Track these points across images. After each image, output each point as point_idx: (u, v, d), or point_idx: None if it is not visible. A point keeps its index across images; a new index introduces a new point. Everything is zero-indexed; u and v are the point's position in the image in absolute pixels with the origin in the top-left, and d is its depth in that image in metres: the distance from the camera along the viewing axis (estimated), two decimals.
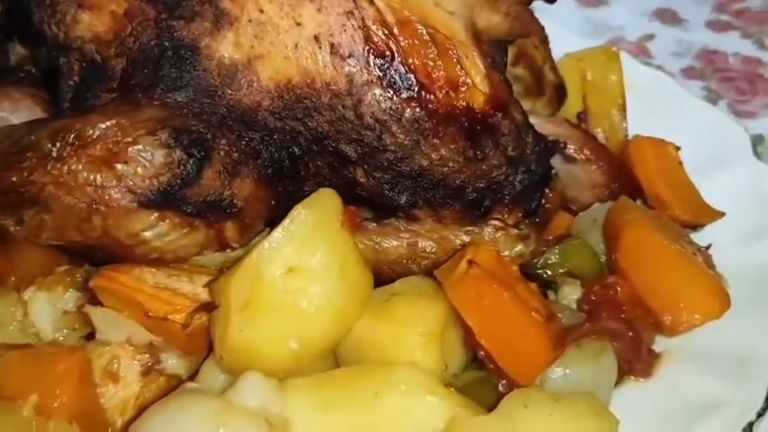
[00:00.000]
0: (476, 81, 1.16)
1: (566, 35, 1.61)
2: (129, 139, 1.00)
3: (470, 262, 1.04)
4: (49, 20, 1.16)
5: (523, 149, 1.20)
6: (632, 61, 1.61)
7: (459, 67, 1.15)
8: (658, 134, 1.49)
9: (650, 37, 2.08)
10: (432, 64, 1.13)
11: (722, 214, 1.34)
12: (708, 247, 1.27)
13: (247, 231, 1.12)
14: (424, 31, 1.14)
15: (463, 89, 1.15)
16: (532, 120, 1.33)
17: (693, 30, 2.11)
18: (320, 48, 1.11)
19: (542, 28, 1.39)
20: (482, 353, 1.05)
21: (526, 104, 1.42)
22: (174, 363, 1.08)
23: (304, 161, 1.14)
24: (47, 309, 1.13)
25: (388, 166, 1.15)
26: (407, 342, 1.03)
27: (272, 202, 1.14)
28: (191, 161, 1.02)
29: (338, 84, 1.11)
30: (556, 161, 1.33)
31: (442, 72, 1.14)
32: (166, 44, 1.09)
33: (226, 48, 1.10)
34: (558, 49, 1.54)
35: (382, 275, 1.17)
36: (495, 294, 1.04)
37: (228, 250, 1.11)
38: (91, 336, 1.12)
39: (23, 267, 1.21)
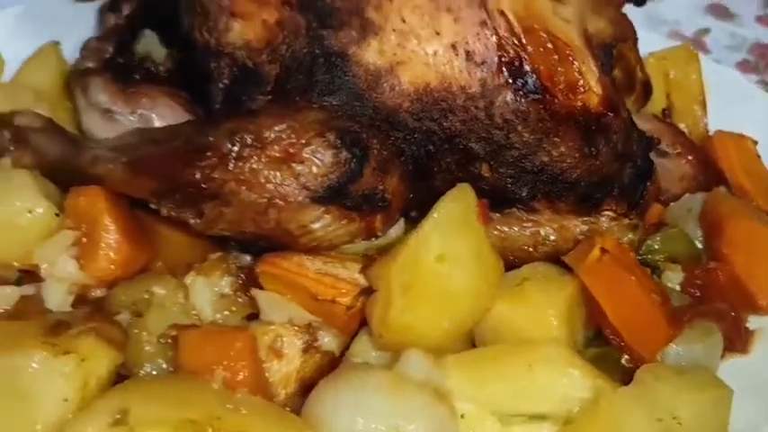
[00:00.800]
0: (591, 84, 1.27)
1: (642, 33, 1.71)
2: (303, 141, 1.11)
3: (603, 250, 1.16)
4: (201, 27, 1.26)
5: (630, 146, 1.31)
6: (706, 59, 1.72)
7: (577, 71, 1.27)
8: (733, 128, 1.61)
9: (706, 31, 2.19)
10: (554, 69, 1.25)
11: None
12: None
13: (390, 222, 1.23)
14: (547, 39, 1.26)
15: (581, 91, 1.27)
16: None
17: (745, 25, 2.22)
18: (456, 55, 1.22)
19: (634, 30, 1.49)
20: (610, 331, 1.18)
21: None
22: (328, 340, 1.21)
23: (437, 158, 1.26)
24: (206, 292, 1.25)
25: (512, 162, 1.26)
26: (544, 323, 1.16)
27: (410, 195, 1.26)
28: (354, 160, 1.13)
29: (472, 87, 1.22)
30: (651, 155, 1.45)
31: (562, 76, 1.25)
32: (317, 51, 1.20)
33: (371, 55, 1.21)
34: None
35: (506, 261, 1.29)
36: (625, 279, 1.16)
37: (373, 239, 1.24)
38: (250, 316, 1.25)
39: (168, 253, 1.34)
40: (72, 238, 1.24)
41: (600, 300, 1.15)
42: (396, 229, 1.27)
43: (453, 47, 1.21)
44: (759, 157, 1.52)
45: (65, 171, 1.30)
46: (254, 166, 1.11)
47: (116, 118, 1.37)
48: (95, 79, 1.39)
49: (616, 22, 1.40)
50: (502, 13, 1.23)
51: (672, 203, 1.44)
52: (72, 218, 1.25)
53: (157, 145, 1.19)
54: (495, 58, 1.22)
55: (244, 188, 1.11)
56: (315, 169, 1.11)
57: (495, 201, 1.34)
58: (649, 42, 1.72)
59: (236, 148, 1.11)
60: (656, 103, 1.58)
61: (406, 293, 1.11)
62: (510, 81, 1.22)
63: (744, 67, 2.10)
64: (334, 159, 1.12)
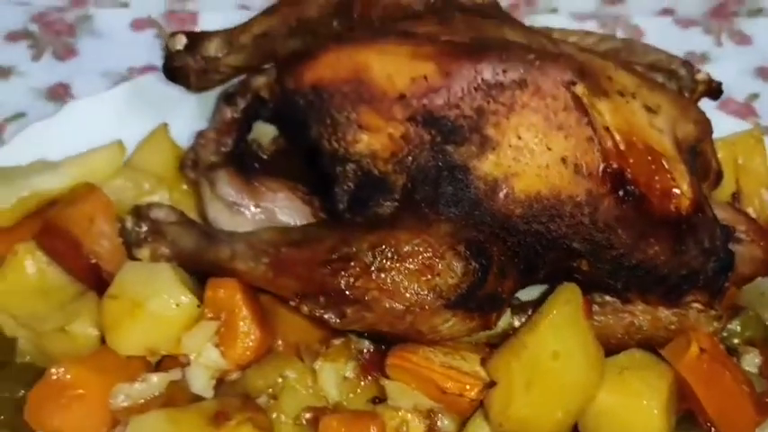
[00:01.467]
0: (683, 189, 1.40)
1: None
2: (438, 255, 1.25)
3: (702, 349, 1.30)
4: (330, 137, 1.39)
5: (714, 241, 1.44)
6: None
7: (671, 178, 1.40)
8: None
9: (755, 96, 2.32)
10: (651, 177, 1.38)
11: None
12: None
13: (502, 315, 1.37)
14: (645, 150, 1.39)
15: (674, 196, 1.40)
16: None
17: None
18: (566, 167, 1.35)
19: (710, 124, 1.62)
20: (703, 418, 1.31)
21: None
22: (447, 423, 1.34)
23: (542, 256, 1.39)
24: (333, 376, 1.38)
25: (610, 259, 1.39)
26: (645, 413, 1.29)
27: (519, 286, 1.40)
28: (481, 270, 1.26)
29: (579, 196, 1.35)
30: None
31: (659, 183, 1.39)
32: (441, 165, 1.33)
33: (488, 166, 1.34)
34: None
35: (604, 347, 1.41)
36: (720, 373, 1.30)
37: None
38: (373, 399, 1.38)
39: (288, 333, 1.47)
40: (214, 327, 1.37)
41: (698, 392, 1.29)
42: (502, 320, 1.41)
43: (563, 160, 1.34)
44: None
45: (200, 263, 1.43)
46: (395, 277, 1.24)
47: (241, 211, 1.49)
48: (221, 173, 1.51)
49: (699, 121, 1.54)
50: (607, 129, 1.36)
51: (745, 286, 1.57)
52: (211, 308, 1.39)
53: (299, 249, 1.31)
54: (600, 170, 1.35)
55: (385, 296, 1.24)
56: (449, 280, 1.24)
57: (591, 288, 1.49)
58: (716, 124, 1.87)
59: (378, 261, 1.24)
60: (726, 187, 1.71)
61: (527, 390, 1.25)
62: (613, 190, 1.35)
63: None
64: (464, 270, 1.25)
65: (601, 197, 1.36)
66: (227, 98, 1.63)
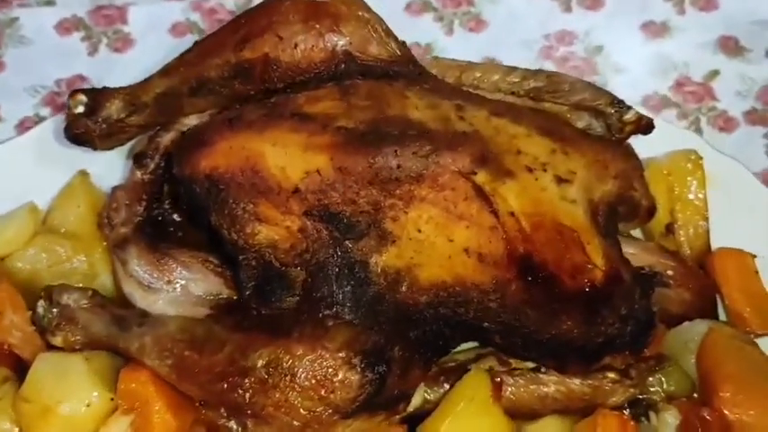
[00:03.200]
0: (597, 262, 1.36)
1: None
2: (332, 371, 1.23)
3: None
4: (228, 227, 1.35)
5: (632, 306, 1.41)
6: (710, 151, 1.77)
7: (583, 253, 1.36)
8: (732, 226, 1.69)
9: (716, 74, 2.20)
10: (561, 255, 1.34)
11: None
12: None
13: (408, 402, 1.37)
14: (554, 228, 1.33)
15: (586, 270, 1.36)
16: (630, 250, 1.54)
17: (755, 60, 2.23)
18: (469, 257, 1.31)
19: (640, 164, 1.55)
20: None
21: (620, 226, 1.62)
22: None
23: (453, 337, 1.37)
24: None
25: (521, 336, 1.38)
26: None
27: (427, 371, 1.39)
28: (378, 378, 1.25)
29: (485, 283, 1.32)
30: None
31: (569, 261, 1.34)
32: (341, 261, 1.30)
33: (390, 259, 1.31)
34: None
35: (517, 415, 1.43)
36: None
37: None
38: None
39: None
40: (128, 421, 1.38)
41: None
42: (416, 397, 1.41)
43: (466, 251, 1.30)
44: (757, 273, 1.61)
45: (113, 349, 1.43)
46: (290, 395, 1.23)
47: (154, 288, 1.47)
48: (131, 250, 1.47)
49: (621, 175, 1.47)
50: (512, 214, 1.31)
51: (670, 332, 1.55)
52: (125, 399, 1.39)
53: (201, 354, 1.30)
54: (506, 257, 1.31)
55: (282, 413, 1.24)
56: (345, 395, 1.23)
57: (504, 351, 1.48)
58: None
59: (273, 378, 1.23)
60: (661, 218, 1.65)
61: None
62: (520, 275, 1.32)
63: (751, 117, 2.15)
64: (360, 383, 1.24)
65: (508, 282, 1.33)
66: (136, 158, 1.56)
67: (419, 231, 1.30)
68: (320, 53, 1.40)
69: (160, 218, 1.56)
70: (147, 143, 1.58)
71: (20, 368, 1.48)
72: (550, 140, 1.39)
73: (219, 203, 1.34)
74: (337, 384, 1.23)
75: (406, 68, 1.44)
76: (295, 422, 1.24)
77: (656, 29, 2.27)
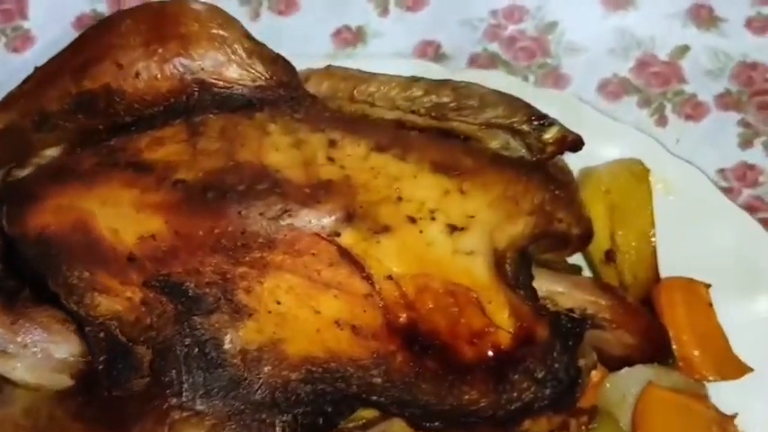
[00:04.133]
0: (501, 323, 1.15)
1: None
2: None
3: None
4: (66, 297, 1.15)
5: (550, 366, 1.21)
6: (664, 154, 1.53)
7: (483, 314, 1.14)
8: (684, 235, 1.47)
9: (685, 50, 1.93)
10: (455, 320, 1.13)
11: (750, 370, 1.35)
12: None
13: None
14: (445, 290, 1.12)
15: (489, 333, 1.15)
16: (557, 288, 1.33)
17: (731, 34, 1.94)
18: (341, 329, 1.10)
19: (568, 187, 1.31)
20: None
21: (550, 256, 1.41)
22: None
23: (338, 412, 1.18)
24: None
25: (419, 407, 1.18)
26: None
27: None
28: None
29: (363, 359, 1.11)
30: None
31: (466, 325, 1.13)
32: (191, 341, 1.09)
33: (248, 334, 1.10)
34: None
35: None
36: None
37: None
38: None
39: None
40: None
41: None
42: None
43: (337, 323, 1.09)
44: (711, 305, 1.39)
45: None
46: None
47: (11, 353, 1.29)
48: None
49: (537, 210, 1.24)
50: (389, 278, 1.09)
51: (608, 379, 1.35)
52: None
53: None
54: (385, 328, 1.10)
55: None
56: None
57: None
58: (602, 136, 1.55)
59: None
60: (600, 242, 1.43)
61: None
62: (405, 346, 1.11)
63: (724, 101, 1.88)
64: None
65: (391, 355, 1.12)
66: None
67: (278, 303, 1.09)
68: (166, 82, 1.17)
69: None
70: None
71: None
72: (445, 177, 1.16)
73: (53, 270, 1.14)
74: None
75: (274, 94, 1.20)
76: None
77: (617, 0, 2.01)
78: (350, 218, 1.08)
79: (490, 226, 1.17)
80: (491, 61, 1.90)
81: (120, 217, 1.10)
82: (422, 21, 1.97)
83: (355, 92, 1.32)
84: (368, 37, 1.97)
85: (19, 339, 1.29)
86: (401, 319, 1.10)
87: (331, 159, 1.13)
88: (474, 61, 1.91)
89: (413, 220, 1.11)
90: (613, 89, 1.87)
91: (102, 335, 1.16)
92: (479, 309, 1.13)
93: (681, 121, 1.85)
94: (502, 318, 1.15)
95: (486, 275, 1.14)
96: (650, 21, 1.98)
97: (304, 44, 1.93)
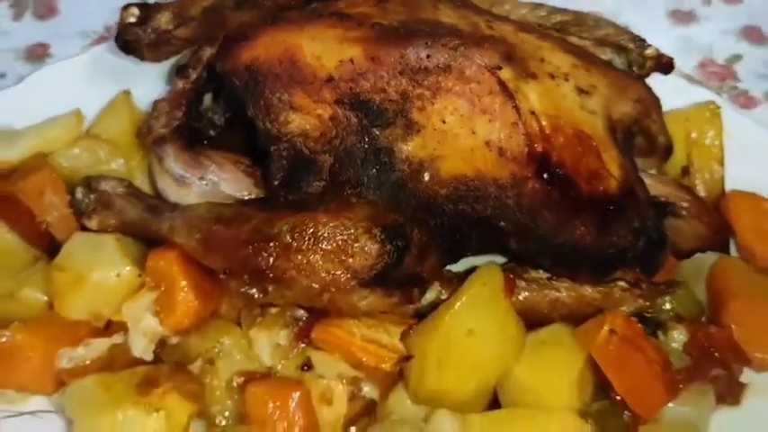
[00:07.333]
0: (612, 171, 1.42)
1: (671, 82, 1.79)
2: (354, 237, 1.30)
3: (612, 331, 1.34)
4: (264, 117, 1.42)
5: (645, 221, 1.46)
6: (731, 111, 1.83)
7: (599, 159, 1.41)
8: (751, 182, 1.72)
9: (737, 58, 2.28)
10: (578, 159, 1.40)
11: None
12: None
13: (425, 291, 1.41)
14: (573, 133, 1.40)
15: (602, 177, 1.42)
16: (646, 180, 1.59)
17: None
18: (490, 150, 1.37)
19: (658, 100, 1.61)
20: (614, 393, 1.36)
21: (638, 161, 1.68)
22: (369, 389, 1.42)
23: (469, 235, 1.43)
24: (267, 343, 1.45)
25: (536, 238, 1.43)
26: (558, 390, 1.35)
27: (443, 264, 1.44)
28: (397, 252, 1.31)
29: (502, 179, 1.38)
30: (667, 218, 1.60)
31: (586, 165, 1.40)
32: (367, 147, 1.37)
33: (413, 149, 1.38)
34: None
35: (526, 321, 1.46)
36: (629, 356, 1.34)
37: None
38: (304, 367, 1.45)
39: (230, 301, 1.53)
40: (153, 297, 1.45)
41: (607, 374, 1.33)
42: (430, 292, 1.46)
43: (487, 144, 1.37)
44: None
45: (144, 234, 1.50)
46: (311, 257, 1.30)
47: (187, 183, 1.54)
48: (168, 148, 1.55)
49: (640, 99, 1.53)
50: (533, 113, 1.37)
51: (684, 261, 1.59)
52: (152, 277, 1.46)
53: (228, 227, 1.37)
54: (525, 154, 1.37)
55: (303, 276, 1.30)
56: (363, 261, 1.30)
57: (522, 262, 1.52)
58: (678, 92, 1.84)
59: (296, 242, 1.30)
60: (677, 160, 1.71)
61: (439, 366, 1.32)
62: (537, 173, 1.38)
63: None
64: (379, 252, 1.30)
65: (525, 180, 1.38)
66: (179, 70, 1.66)
67: (444, 122, 1.36)
68: None
69: (198, 125, 1.65)
70: (191, 56, 1.68)
71: (51, 252, 1.56)
72: (574, 57, 1.46)
73: (256, 95, 1.42)
74: (357, 250, 1.29)
75: None
76: (314, 285, 1.30)
77: (682, 16, 2.37)
78: (508, 59, 1.37)
79: (607, 98, 1.46)
80: None
81: (325, 47, 1.39)
82: None
83: (492, 8, 1.64)
84: None
85: (195, 172, 1.56)
86: (537, 148, 1.36)
87: (490, 27, 1.43)
88: None
89: (552, 76, 1.40)
90: None
91: (285, 152, 1.42)
92: (597, 155, 1.40)
93: (736, 108, 2.18)
94: (613, 167, 1.41)
95: (603, 132, 1.42)
96: (709, 34, 2.36)
97: None
